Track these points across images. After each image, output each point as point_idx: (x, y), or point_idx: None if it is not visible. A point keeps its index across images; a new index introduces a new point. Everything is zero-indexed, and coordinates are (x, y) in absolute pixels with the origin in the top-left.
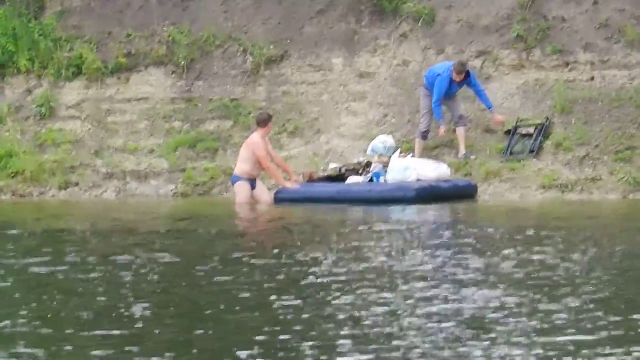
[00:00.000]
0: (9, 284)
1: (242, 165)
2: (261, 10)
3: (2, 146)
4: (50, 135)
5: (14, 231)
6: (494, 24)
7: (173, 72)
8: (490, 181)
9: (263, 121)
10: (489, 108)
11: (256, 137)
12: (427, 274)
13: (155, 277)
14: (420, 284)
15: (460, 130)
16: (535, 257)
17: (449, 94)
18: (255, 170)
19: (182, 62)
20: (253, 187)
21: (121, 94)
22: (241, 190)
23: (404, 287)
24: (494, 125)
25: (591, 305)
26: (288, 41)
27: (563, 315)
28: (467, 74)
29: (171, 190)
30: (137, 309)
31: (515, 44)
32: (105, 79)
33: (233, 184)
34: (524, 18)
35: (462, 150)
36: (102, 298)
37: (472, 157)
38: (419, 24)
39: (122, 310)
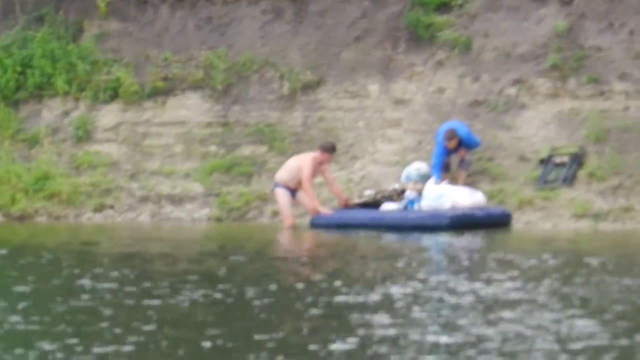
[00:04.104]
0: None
1: (282, 173)
2: (298, 36)
3: (38, 168)
4: (87, 157)
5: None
6: (530, 52)
7: (210, 97)
8: (523, 209)
9: (327, 149)
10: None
11: (310, 156)
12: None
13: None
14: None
15: (462, 173)
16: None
17: (449, 155)
18: (292, 182)
19: (219, 87)
20: (293, 196)
21: (158, 117)
22: (280, 198)
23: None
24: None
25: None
26: (324, 67)
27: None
28: (460, 141)
29: (205, 215)
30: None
31: (551, 72)
32: (142, 102)
33: (274, 189)
34: (560, 47)
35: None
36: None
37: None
38: (455, 51)
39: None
